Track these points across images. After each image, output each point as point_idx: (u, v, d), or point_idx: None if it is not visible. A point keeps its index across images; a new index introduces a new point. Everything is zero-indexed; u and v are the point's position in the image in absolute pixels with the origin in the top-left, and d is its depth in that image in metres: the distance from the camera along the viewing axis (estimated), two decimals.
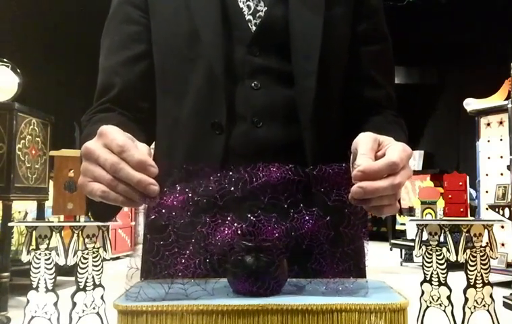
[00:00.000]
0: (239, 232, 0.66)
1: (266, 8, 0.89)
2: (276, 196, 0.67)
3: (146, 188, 0.63)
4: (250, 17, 0.89)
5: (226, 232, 0.66)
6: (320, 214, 0.67)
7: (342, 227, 0.68)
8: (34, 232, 0.66)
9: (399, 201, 0.73)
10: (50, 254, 0.66)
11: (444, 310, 0.71)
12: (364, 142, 0.70)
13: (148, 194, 0.63)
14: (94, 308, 0.66)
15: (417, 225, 0.74)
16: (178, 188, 0.67)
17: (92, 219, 0.74)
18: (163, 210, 0.66)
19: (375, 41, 0.97)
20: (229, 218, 0.67)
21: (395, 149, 0.69)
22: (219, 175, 0.68)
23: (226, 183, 0.67)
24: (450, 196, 0.81)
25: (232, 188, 0.67)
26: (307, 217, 0.67)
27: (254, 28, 0.88)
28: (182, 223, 0.67)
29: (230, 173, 0.68)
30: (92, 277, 0.67)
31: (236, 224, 0.66)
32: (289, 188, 0.67)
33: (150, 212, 0.68)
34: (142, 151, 0.66)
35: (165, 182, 0.67)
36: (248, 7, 0.89)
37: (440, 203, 0.81)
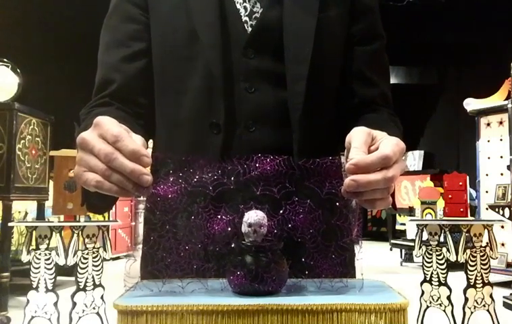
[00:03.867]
0: (232, 225, 0.66)
1: (262, 9, 0.89)
2: (269, 187, 0.68)
3: (139, 178, 0.63)
4: (247, 18, 0.89)
5: (219, 224, 0.67)
6: (312, 207, 0.68)
7: (333, 220, 0.68)
8: (34, 232, 0.66)
9: (392, 195, 0.73)
10: (50, 254, 0.66)
11: (444, 310, 0.71)
12: (357, 136, 0.71)
13: (141, 183, 0.64)
14: (94, 308, 0.66)
15: (417, 225, 0.74)
16: (172, 179, 0.67)
17: (91, 217, 0.74)
18: (158, 200, 0.67)
19: (370, 41, 0.97)
20: (222, 210, 0.68)
21: (388, 143, 0.69)
22: (213, 166, 0.68)
23: (220, 174, 0.68)
24: (450, 196, 0.81)
25: (226, 179, 0.68)
26: (299, 208, 0.67)
27: (250, 29, 0.88)
28: (177, 214, 0.67)
29: (224, 164, 0.68)
30: (92, 277, 0.67)
31: (228, 216, 0.67)
32: (282, 180, 0.68)
33: (147, 201, 0.69)
34: (136, 141, 0.66)
35: (160, 173, 0.67)
36: (245, 8, 0.89)
37: (440, 203, 0.81)
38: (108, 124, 0.67)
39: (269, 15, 0.89)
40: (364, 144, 0.69)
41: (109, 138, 0.65)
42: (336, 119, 0.95)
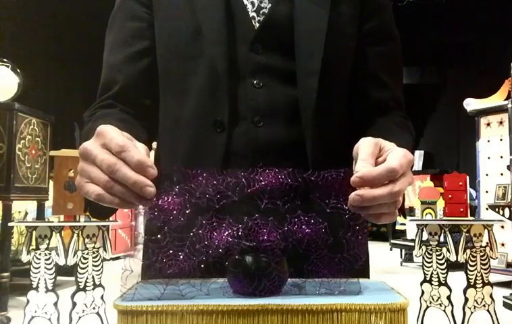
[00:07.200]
0: (236, 235, 0.65)
1: (270, 5, 0.88)
2: (274, 201, 0.66)
3: (142, 189, 0.62)
4: (254, 13, 0.88)
5: (223, 235, 0.66)
6: (318, 220, 0.67)
7: (341, 233, 0.67)
8: (34, 232, 0.66)
9: (401, 209, 0.72)
10: (50, 254, 0.66)
11: (444, 310, 0.71)
12: (364, 147, 0.70)
13: (144, 195, 0.63)
14: (94, 308, 0.66)
15: (417, 225, 0.74)
16: (176, 191, 0.66)
17: (91, 219, 0.74)
18: (161, 213, 0.66)
19: (382, 41, 0.95)
20: (226, 221, 0.67)
21: (395, 155, 0.68)
22: (216, 179, 0.67)
23: (224, 187, 0.67)
24: (450, 196, 0.81)
25: (230, 192, 0.67)
26: (305, 223, 0.66)
27: (257, 25, 0.87)
28: (179, 225, 0.66)
29: (228, 177, 0.67)
30: (92, 277, 0.67)
31: (233, 227, 0.66)
32: (287, 193, 0.66)
33: (148, 214, 0.68)
34: (141, 152, 0.65)
35: (163, 184, 0.66)
36: (252, 3, 0.88)
37: (440, 203, 0.81)
38: (112, 133, 0.65)
39: (277, 10, 0.88)
40: (371, 155, 0.68)
41: (114, 147, 0.64)
42: (348, 119, 0.94)
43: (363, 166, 0.67)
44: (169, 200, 0.66)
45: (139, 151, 0.65)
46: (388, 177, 0.66)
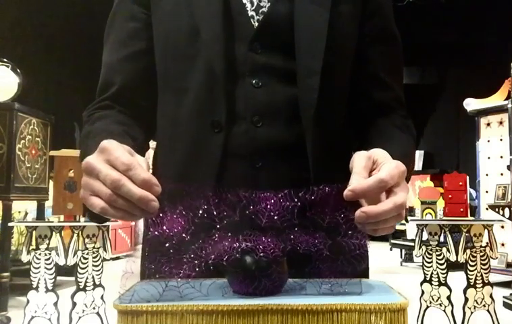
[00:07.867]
0: (236, 244, 0.65)
1: (269, 4, 0.87)
2: (273, 221, 0.67)
3: (148, 204, 0.63)
4: (253, 13, 0.87)
5: (224, 245, 0.66)
6: (316, 235, 0.67)
7: (339, 241, 0.68)
8: (34, 232, 0.66)
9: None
10: (50, 254, 0.66)
11: (444, 310, 0.71)
12: (358, 161, 0.71)
13: (148, 210, 0.64)
14: (94, 308, 0.66)
15: (417, 225, 0.74)
16: (178, 209, 0.67)
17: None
18: (162, 229, 0.66)
19: (383, 41, 0.95)
20: (226, 236, 0.67)
21: (387, 167, 0.70)
22: (216, 198, 0.67)
23: (223, 206, 0.67)
24: (450, 196, 0.81)
25: (229, 212, 0.67)
26: (304, 238, 0.66)
27: (256, 24, 0.87)
28: (179, 238, 0.67)
29: (228, 195, 0.67)
30: (92, 277, 0.67)
31: (233, 238, 0.66)
32: (285, 214, 0.67)
33: (149, 230, 0.68)
34: (146, 170, 0.66)
35: (164, 200, 0.67)
36: (251, 2, 0.87)
37: (440, 203, 0.81)
38: (117, 151, 0.66)
39: (277, 9, 0.87)
40: (364, 169, 0.70)
41: (120, 166, 0.65)
42: (348, 120, 0.94)
43: (356, 180, 0.68)
44: (171, 216, 0.66)
45: (144, 169, 0.66)
46: (379, 188, 0.67)
